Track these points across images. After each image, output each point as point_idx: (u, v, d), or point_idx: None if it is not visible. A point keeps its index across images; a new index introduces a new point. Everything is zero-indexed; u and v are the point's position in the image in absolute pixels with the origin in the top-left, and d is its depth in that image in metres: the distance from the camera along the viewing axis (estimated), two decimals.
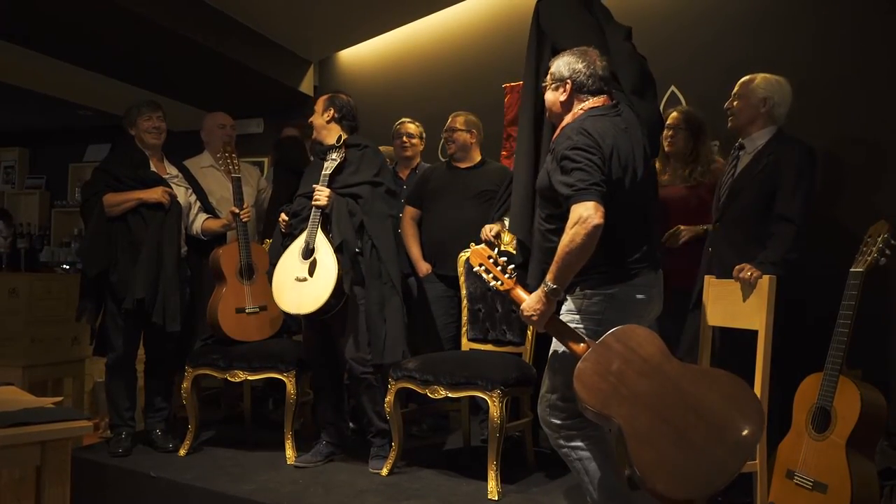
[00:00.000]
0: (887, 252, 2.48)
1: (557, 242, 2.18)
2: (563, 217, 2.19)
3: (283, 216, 3.27)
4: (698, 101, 3.73)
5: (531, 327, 3.11)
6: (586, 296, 2.27)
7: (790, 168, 2.74)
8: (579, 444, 2.27)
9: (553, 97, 2.39)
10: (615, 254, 2.23)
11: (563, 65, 2.36)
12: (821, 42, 3.50)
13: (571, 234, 2.11)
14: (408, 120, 4.04)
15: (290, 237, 3.22)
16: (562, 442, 2.30)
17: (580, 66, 2.33)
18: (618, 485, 2.27)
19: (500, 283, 2.32)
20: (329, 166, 3.16)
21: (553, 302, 2.19)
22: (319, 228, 3.10)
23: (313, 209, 3.12)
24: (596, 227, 2.08)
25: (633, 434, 1.99)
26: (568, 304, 2.32)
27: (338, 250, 3.06)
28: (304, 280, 3.06)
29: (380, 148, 3.81)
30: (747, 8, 3.74)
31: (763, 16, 3.68)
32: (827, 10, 3.52)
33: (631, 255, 2.27)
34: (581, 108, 2.33)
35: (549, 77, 2.41)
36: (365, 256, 3.12)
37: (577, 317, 2.27)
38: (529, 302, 2.22)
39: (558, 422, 2.29)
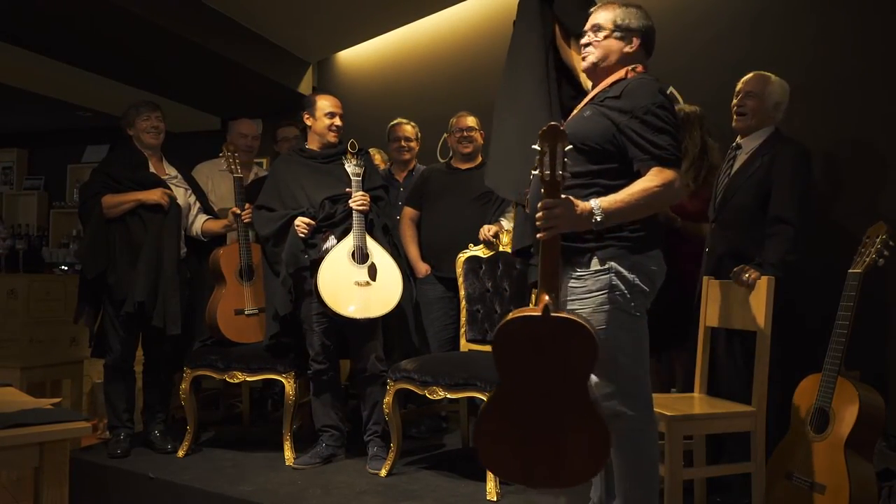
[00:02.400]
0: (885, 253, 2.48)
1: (581, 194, 2.05)
2: (600, 174, 2.10)
3: (303, 220, 3.16)
4: (697, 102, 3.73)
5: None
6: (611, 269, 2.08)
7: (785, 168, 2.74)
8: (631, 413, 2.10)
9: (614, 46, 2.20)
10: (641, 223, 2.10)
11: (630, 16, 2.20)
12: (820, 43, 3.51)
13: (656, 191, 2.00)
14: (403, 121, 4.02)
15: (320, 241, 3.19)
16: (616, 403, 2.11)
17: (648, 22, 2.21)
18: (652, 472, 2.16)
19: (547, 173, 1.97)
20: (357, 172, 3.19)
21: (584, 225, 1.99)
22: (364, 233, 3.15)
23: (355, 213, 3.13)
24: (677, 198, 2.10)
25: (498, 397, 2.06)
26: (585, 285, 2.10)
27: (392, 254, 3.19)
28: (366, 284, 3.07)
29: (376, 151, 3.86)
30: (746, 9, 3.75)
31: (762, 17, 3.68)
32: (826, 11, 3.52)
33: (650, 226, 2.16)
34: (634, 70, 2.19)
35: (608, 23, 2.21)
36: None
37: (611, 295, 2.07)
38: (562, 202, 1.96)
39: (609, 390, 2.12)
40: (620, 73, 2.20)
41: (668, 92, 2.19)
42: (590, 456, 1.99)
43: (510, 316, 2.05)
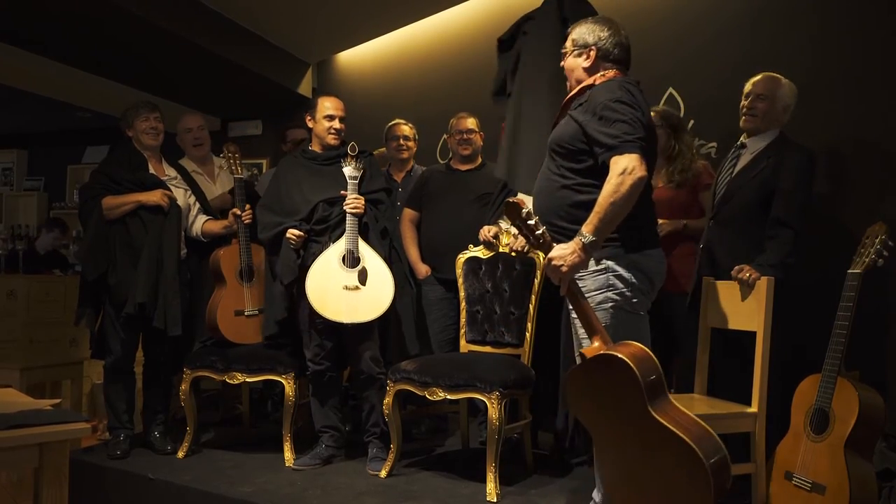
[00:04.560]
0: (885, 253, 2.48)
1: (573, 196, 2.20)
2: (583, 172, 2.20)
3: (294, 231, 3.15)
4: (696, 103, 3.74)
5: (530, 330, 3.11)
6: (608, 269, 2.18)
7: (790, 172, 2.74)
8: None
9: (574, 63, 2.37)
10: (634, 221, 2.17)
11: (586, 31, 2.36)
12: (819, 43, 3.51)
13: (615, 184, 2.07)
14: (401, 121, 4.03)
15: (315, 245, 3.19)
16: None
17: (605, 33, 2.33)
18: None
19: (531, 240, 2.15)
20: (354, 174, 3.18)
21: (588, 257, 2.09)
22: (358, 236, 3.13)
23: (349, 216, 3.12)
24: (640, 178, 2.07)
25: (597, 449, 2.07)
26: (586, 284, 2.21)
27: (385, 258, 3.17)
28: (355, 289, 3.06)
29: (374, 151, 3.86)
30: (745, 9, 3.75)
31: (761, 17, 3.69)
32: (825, 11, 3.52)
33: (645, 225, 2.25)
34: (603, 76, 2.32)
35: (569, 43, 2.40)
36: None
37: (609, 294, 2.18)
38: (560, 250, 2.09)
39: None
40: (589, 81, 2.34)
41: (633, 87, 2.25)
42: (691, 482, 1.86)
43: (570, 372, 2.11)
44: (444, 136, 4.31)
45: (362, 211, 3.16)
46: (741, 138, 2.96)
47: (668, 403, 1.97)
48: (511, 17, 4.51)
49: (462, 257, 3.38)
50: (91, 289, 3.40)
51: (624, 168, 2.08)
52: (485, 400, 2.79)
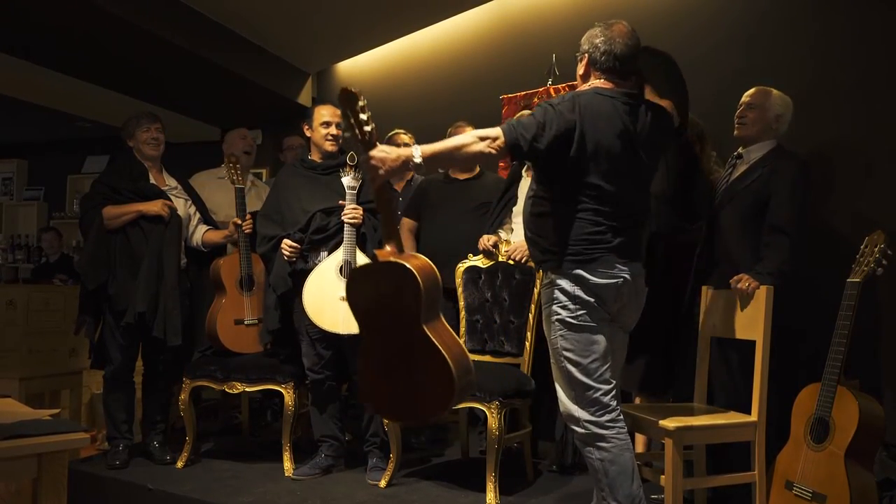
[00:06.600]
0: (884, 262, 2.49)
1: (532, 208, 2.29)
2: (539, 184, 2.28)
3: (288, 242, 3.16)
4: (695, 112, 3.74)
5: (529, 339, 3.11)
6: (552, 282, 2.24)
7: (785, 180, 2.75)
8: (602, 444, 2.21)
9: (577, 70, 2.39)
10: (576, 236, 2.18)
11: (585, 37, 2.34)
12: (817, 53, 3.52)
13: (468, 139, 2.12)
14: (401, 131, 4.04)
15: (312, 254, 3.18)
16: (586, 438, 2.24)
17: (598, 40, 2.28)
18: (635, 492, 2.22)
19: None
20: (353, 184, 3.17)
21: (405, 167, 2.14)
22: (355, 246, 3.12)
23: (346, 227, 3.12)
24: (481, 153, 2.11)
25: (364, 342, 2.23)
26: (542, 297, 2.31)
27: None
28: None
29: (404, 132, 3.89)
30: (744, 20, 3.76)
31: (760, 28, 3.70)
32: (823, 22, 3.54)
33: (592, 239, 2.19)
34: (588, 85, 2.30)
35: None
36: None
37: (554, 307, 2.23)
38: (381, 153, 2.11)
39: (586, 417, 2.22)
40: (580, 89, 2.35)
41: (589, 97, 2.22)
42: (438, 392, 2.08)
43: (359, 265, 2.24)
44: None
45: (360, 221, 3.16)
46: (739, 149, 2.97)
47: (438, 321, 2.13)
48: (509, 25, 4.56)
49: (461, 266, 3.38)
50: (91, 298, 3.40)
51: (487, 136, 2.10)
52: (484, 409, 2.78)
